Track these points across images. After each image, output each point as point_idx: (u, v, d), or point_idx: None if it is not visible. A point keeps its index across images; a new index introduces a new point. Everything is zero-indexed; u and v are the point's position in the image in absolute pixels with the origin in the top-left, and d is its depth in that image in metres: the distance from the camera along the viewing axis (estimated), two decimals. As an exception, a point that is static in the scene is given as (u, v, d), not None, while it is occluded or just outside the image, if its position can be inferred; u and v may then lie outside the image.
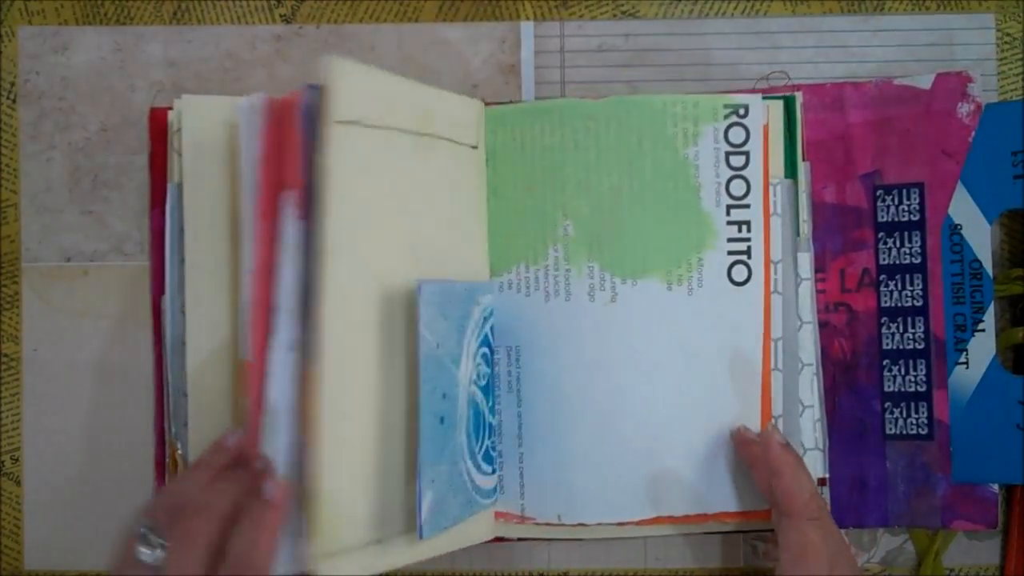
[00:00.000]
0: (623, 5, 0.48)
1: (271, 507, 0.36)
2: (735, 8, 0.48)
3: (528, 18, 0.48)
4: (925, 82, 0.45)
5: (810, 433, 0.43)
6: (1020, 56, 0.47)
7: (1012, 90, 0.47)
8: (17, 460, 0.47)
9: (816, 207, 0.45)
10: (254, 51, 0.47)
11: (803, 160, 0.44)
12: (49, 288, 0.47)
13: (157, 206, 0.46)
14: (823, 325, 0.45)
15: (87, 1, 0.48)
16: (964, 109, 0.45)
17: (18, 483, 0.47)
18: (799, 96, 0.44)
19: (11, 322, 0.47)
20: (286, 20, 0.48)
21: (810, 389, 0.43)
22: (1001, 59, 0.47)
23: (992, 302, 0.44)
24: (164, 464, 0.45)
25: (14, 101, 0.47)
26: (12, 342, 0.47)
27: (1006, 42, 0.47)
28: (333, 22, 0.48)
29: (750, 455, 0.41)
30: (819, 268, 0.45)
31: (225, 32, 0.48)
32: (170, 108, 0.43)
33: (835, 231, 0.46)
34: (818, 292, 0.45)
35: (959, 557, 0.46)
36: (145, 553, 0.35)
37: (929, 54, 0.47)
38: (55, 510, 0.47)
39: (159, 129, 0.45)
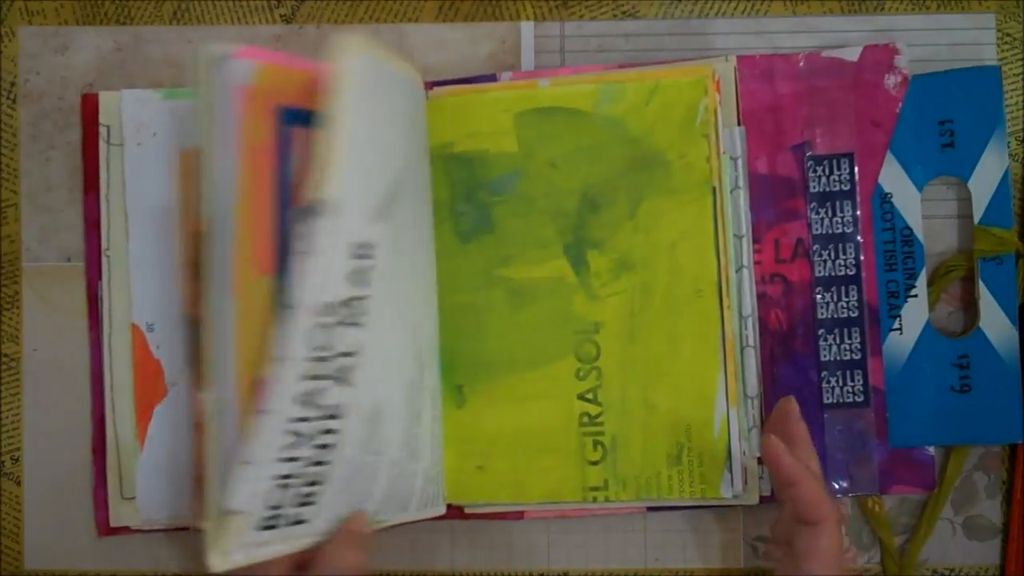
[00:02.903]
0: (623, 5, 0.48)
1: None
2: (735, 8, 0.48)
3: (528, 18, 0.48)
4: (852, 54, 0.46)
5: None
6: (1020, 56, 0.47)
7: (1012, 90, 0.47)
8: (17, 460, 0.47)
9: (750, 178, 0.46)
10: (254, 51, 0.47)
11: (738, 125, 0.45)
12: (49, 288, 0.47)
13: (91, 191, 0.46)
14: (760, 296, 0.46)
15: (87, 1, 0.48)
16: (891, 81, 0.46)
17: (18, 483, 0.47)
18: (731, 60, 0.45)
19: (11, 322, 0.47)
20: (286, 20, 0.48)
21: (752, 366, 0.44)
22: (1001, 59, 0.47)
23: (924, 267, 0.45)
24: (103, 451, 0.45)
25: (14, 101, 0.47)
26: (12, 342, 0.47)
27: (1006, 42, 0.47)
28: (333, 22, 0.48)
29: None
30: (755, 239, 0.46)
31: (225, 32, 0.48)
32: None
33: (768, 202, 0.46)
34: (755, 264, 0.45)
35: (959, 557, 0.46)
36: None
37: (929, 54, 0.47)
38: (55, 510, 0.47)
39: (92, 113, 0.46)
